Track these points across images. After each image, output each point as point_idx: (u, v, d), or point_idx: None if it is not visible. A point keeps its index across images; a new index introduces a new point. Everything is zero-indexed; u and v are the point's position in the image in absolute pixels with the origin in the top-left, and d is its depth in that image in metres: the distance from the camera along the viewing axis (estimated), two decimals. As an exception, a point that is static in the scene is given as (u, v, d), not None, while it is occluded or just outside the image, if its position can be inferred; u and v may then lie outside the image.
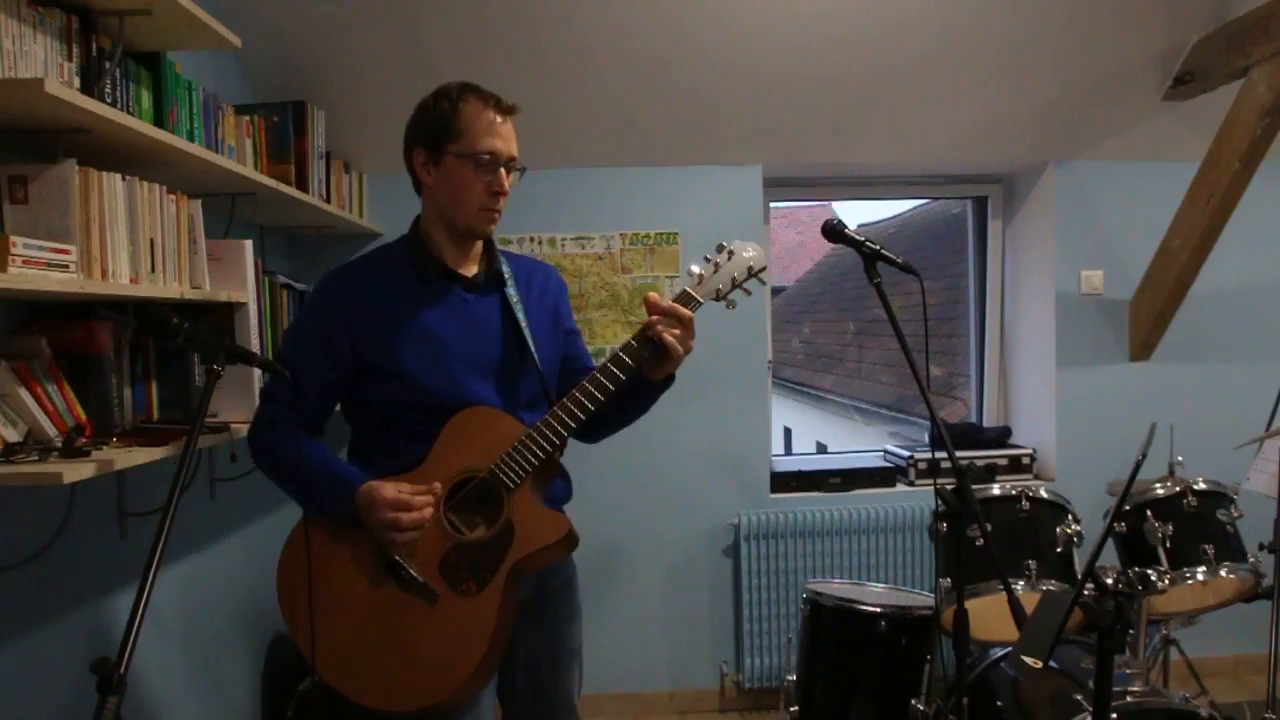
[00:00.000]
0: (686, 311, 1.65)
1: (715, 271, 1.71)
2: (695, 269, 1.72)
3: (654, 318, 1.64)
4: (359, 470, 1.66)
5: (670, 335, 1.63)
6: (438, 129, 1.66)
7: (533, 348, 1.73)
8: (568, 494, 1.84)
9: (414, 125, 1.71)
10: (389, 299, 1.68)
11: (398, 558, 1.62)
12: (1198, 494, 2.38)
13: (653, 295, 1.66)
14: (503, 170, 1.66)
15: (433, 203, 1.73)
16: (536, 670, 1.81)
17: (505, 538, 1.63)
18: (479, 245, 1.77)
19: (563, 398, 1.65)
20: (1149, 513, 2.36)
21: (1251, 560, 2.37)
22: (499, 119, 1.66)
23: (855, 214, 13.00)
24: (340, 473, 1.65)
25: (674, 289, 3.42)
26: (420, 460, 1.66)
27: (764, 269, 1.73)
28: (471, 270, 1.75)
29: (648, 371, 1.68)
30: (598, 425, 1.76)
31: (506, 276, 1.76)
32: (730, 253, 1.72)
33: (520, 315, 1.74)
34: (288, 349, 1.75)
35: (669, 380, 1.75)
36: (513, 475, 1.63)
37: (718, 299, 1.72)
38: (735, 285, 1.72)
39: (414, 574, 1.61)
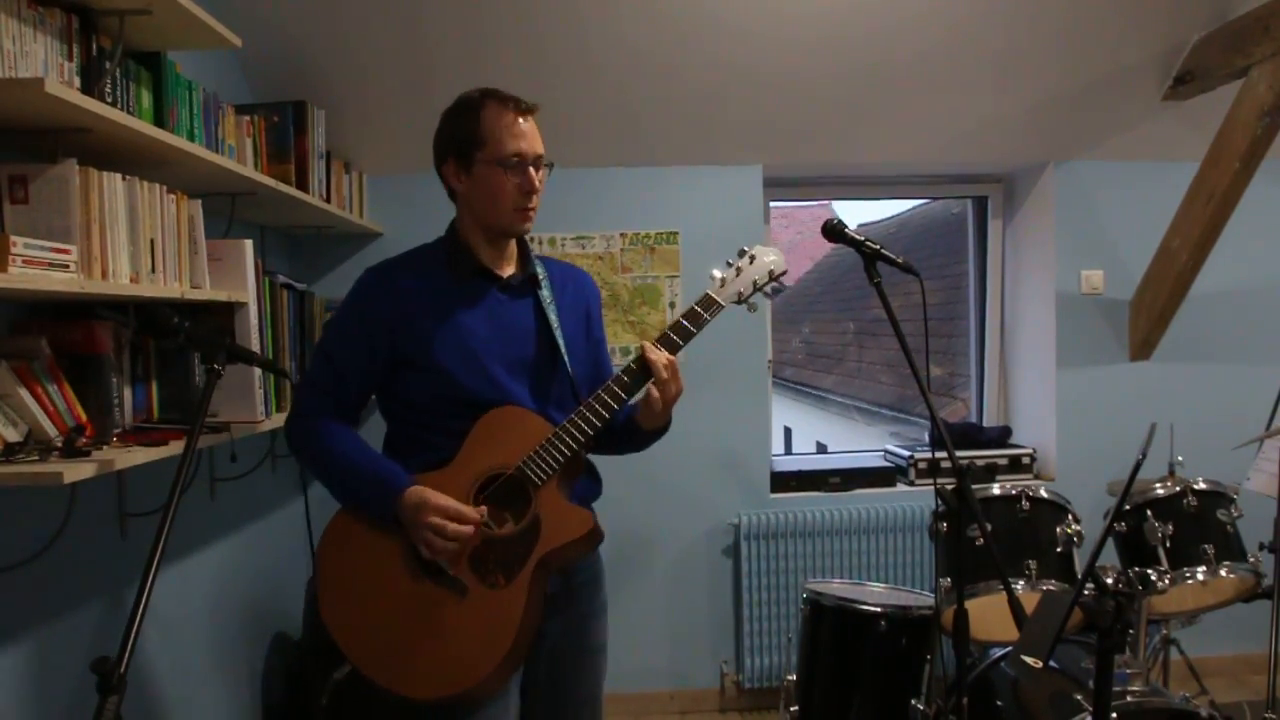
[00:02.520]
0: (667, 357, 1.70)
1: (737, 275, 1.77)
2: (717, 273, 1.78)
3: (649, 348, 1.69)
4: (402, 469, 1.68)
5: (659, 359, 1.68)
6: (464, 138, 1.70)
7: (563, 349, 1.77)
8: (596, 492, 1.89)
9: (441, 137, 1.75)
10: (427, 296, 1.72)
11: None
12: (1198, 494, 2.38)
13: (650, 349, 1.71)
14: (531, 169, 1.70)
15: (469, 208, 1.76)
16: (559, 665, 1.84)
17: (533, 532, 1.66)
18: (514, 247, 1.81)
19: (588, 397, 1.70)
20: (1149, 513, 2.36)
21: (1251, 560, 2.37)
22: (521, 120, 1.71)
23: (855, 214, 12.96)
24: (385, 471, 1.67)
25: (674, 289, 3.45)
26: (451, 457, 1.68)
27: (784, 273, 1.79)
28: (507, 271, 1.79)
29: (640, 418, 1.77)
30: (609, 442, 1.83)
31: (541, 278, 1.81)
32: (751, 257, 1.78)
33: (553, 317, 1.78)
34: (329, 339, 1.78)
35: (661, 430, 1.84)
36: (540, 472, 1.66)
37: (739, 302, 1.78)
38: (756, 289, 1.78)
39: (445, 568, 1.65)
